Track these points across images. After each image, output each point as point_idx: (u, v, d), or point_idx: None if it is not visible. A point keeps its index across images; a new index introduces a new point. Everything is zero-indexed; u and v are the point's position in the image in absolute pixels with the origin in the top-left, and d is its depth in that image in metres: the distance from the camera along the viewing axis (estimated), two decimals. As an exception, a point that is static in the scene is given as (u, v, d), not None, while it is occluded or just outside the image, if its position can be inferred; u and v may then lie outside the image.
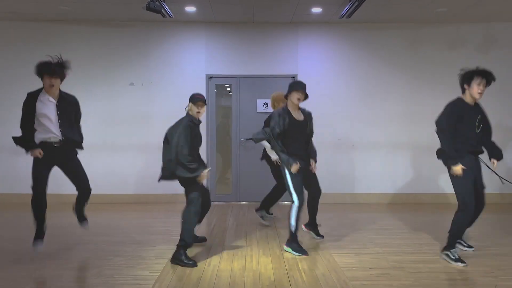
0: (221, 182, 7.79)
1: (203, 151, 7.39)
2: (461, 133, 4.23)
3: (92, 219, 5.73)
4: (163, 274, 4.00)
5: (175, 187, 7.33)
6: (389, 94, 7.50)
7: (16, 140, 4.57)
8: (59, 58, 4.61)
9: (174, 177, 4.45)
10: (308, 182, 4.93)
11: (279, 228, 5.70)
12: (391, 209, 7.07)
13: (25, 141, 4.51)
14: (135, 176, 7.45)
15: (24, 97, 7.21)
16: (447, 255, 4.33)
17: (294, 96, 4.64)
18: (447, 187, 4.41)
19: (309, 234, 5.22)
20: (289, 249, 4.64)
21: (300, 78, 7.40)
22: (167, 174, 4.49)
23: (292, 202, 4.61)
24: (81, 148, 4.78)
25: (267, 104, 7.39)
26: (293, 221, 4.58)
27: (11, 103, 7.31)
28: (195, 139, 4.46)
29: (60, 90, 4.62)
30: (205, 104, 4.57)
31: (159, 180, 4.65)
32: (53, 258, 4.41)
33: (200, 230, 5.69)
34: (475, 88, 4.20)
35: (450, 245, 4.35)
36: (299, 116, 4.74)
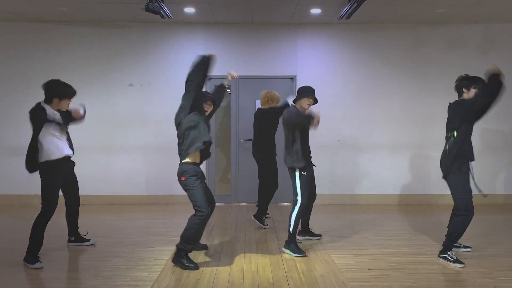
0: (223, 181, 7.76)
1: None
2: (468, 137, 4.26)
3: (90, 220, 5.75)
4: (161, 275, 4.00)
5: (174, 189, 7.38)
6: (389, 95, 7.49)
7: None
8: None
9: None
10: (311, 185, 4.96)
11: (277, 230, 5.70)
12: (390, 210, 7.06)
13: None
14: (134, 177, 7.45)
15: (24, 98, 7.30)
16: (445, 257, 4.33)
17: (305, 102, 4.70)
18: (447, 188, 4.39)
19: (305, 240, 5.20)
20: (288, 251, 4.64)
21: (299, 79, 7.42)
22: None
23: (295, 202, 4.61)
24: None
25: (266, 105, 7.38)
26: (293, 221, 4.58)
27: (10, 103, 7.33)
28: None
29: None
30: (213, 103, 4.65)
31: None
32: (50, 260, 4.40)
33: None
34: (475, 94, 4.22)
35: (448, 248, 4.35)
36: None
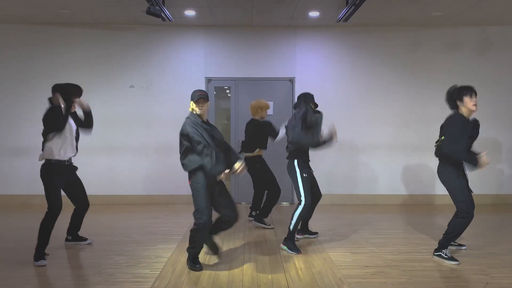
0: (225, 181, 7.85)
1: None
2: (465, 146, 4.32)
3: (92, 219, 5.84)
4: (163, 272, 4.09)
5: (174, 189, 7.49)
6: (387, 97, 7.59)
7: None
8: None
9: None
10: (314, 185, 5.09)
11: (277, 229, 5.78)
12: (388, 210, 7.15)
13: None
14: (134, 177, 7.54)
15: (24, 98, 7.40)
16: (439, 255, 4.43)
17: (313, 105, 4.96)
18: (444, 189, 4.49)
19: (304, 238, 5.30)
20: (285, 247, 4.74)
21: (298, 81, 7.52)
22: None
23: (299, 203, 4.73)
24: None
25: (265, 106, 7.48)
26: (294, 220, 4.69)
27: (12, 104, 7.43)
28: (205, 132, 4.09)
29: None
30: (207, 100, 4.20)
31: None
32: (54, 258, 4.49)
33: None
34: (470, 102, 4.25)
35: (443, 246, 4.44)
36: None
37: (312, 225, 5.56)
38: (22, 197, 7.38)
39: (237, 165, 4.15)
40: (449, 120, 4.39)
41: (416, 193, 7.57)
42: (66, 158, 4.55)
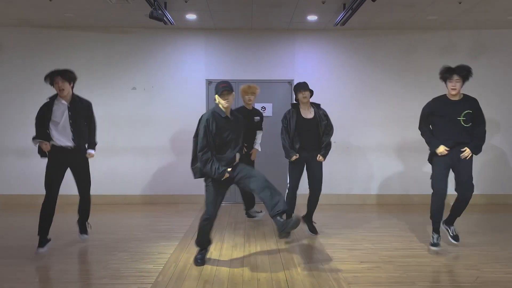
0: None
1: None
2: (439, 127, 4.67)
3: (95, 218, 5.97)
4: (166, 267, 4.24)
5: (175, 189, 7.64)
6: (383, 98, 7.76)
7: (33, 138, 4.83)
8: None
9: (201, 172, 4.18)
10: (312, 175, 5.33)
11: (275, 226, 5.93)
12: (385, 209, 7.31)
13: (36, 136, 4.80)
14: (136, 178, 7.69)
15: (31, 100, 7.56)
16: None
17: (300, 96, 5.26)
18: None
19: (304, 226, 5.49)
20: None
21: (296, 82, 7.66)
22: (196, 171, 4.24)
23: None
24: (92, 149, 5.06)
25: (265, 108, 7.66)
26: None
27: (19, 105, 7.58)
28: (220, 132, 4.12)
29: (73, 94, 4.90)
30: (231, 91, 4.14)
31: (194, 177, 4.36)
32: (60, 254, 4.64)
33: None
34: (448, 85, 4.60)
35: (433, 228, 4.78)
36: (308, 114, 5.29)
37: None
38: (27, 197, 7.51)
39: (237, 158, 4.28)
40: None
41: (412, 193, 7.72)
42: (63, 145, 4.73)
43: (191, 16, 6.91)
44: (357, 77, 7.76)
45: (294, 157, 5.17)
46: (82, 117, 4.90)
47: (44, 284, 3.83)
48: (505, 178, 7.78)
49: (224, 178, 4.09)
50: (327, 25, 7.35)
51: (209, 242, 4.46)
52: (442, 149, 4.59)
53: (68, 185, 5.29)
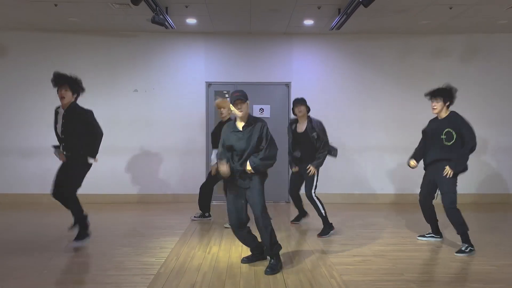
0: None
1: (203, 153, 7.90)
2: (426, 144, 5.07)
3: (97, 216, 6.20)
4: (167, 260, 4.45)
5: (175, 188, 7.85)
6: (378, 100, 7.99)
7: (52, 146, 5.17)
8: (72, 75, 5.01)
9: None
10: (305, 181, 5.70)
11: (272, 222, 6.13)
12: (379, 208, 7.53)
13: (55, 145, 5.10)
14: (137, 177, 7.90)
15: (34, 102, 7.78)
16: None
17: (296, 111, 5.62)
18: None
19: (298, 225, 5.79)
20: None
21: (293, 85, 7.92)
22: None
23: None
24: (91, 157, 4.94)
25: (263, 109, 7.89)
26: None
27: (22, 107, 7.80)
28: (229, 138, 4.15)
29: (72, 102, 4.94)
30: (244, 100, 4.02)
31: None
32: (65, 250, 4.81)
33: (199, 227, 6.16)
34: (431, 105, 4.92)
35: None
36: (301, 128, 5.63)
37: (308, 221, 6.08)
38: (32, 196, 7.72)
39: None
40: None
41: (406, 192, 7.92)
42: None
43: (191, 21, 7.13)
44: (353, 79, 7.99)
45: (294, 169, 5.82)
46: (75, 126, 4.85)
47: (52, 275, 4.03)
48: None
49: (221, 170, 4.06)
50: (323, 29, 7.58)
51: (257, 246, 4.38)
52: (411, 163, 5.18)
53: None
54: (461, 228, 4.70)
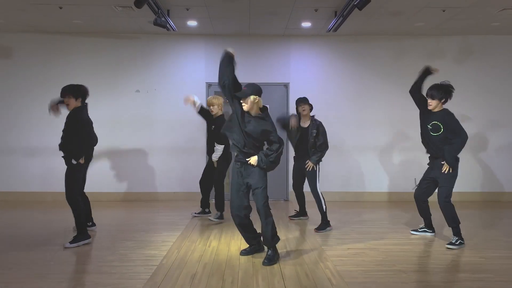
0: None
1: (203, 152, 8.08)
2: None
3: (99, 213, 6.36)
4: (169, 253, 4.63)
5: (176, 186, 8.03)
6: (374, 100, 8.17)
7: None
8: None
9: None
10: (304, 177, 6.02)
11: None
12: (376, 205, 7.70)
13: None
14: (139, 175, 8.08)
15: (38, 103, 7.96)
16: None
17: (300, 109, 5.94)
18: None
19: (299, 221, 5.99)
20: None
21: (292, 86, 8.11)
22: None
23: None
24: (70, 158, 4.98)
25: (262, 109, 8.05)
26: None
27: (25, 107, 7.99)
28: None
29: (78, 107, 5.10)
30: (247, 95, 4.39)
31: None
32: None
33: (200, 223, 6.33)
34: (427, 103, 5.10)
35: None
36: (304, 124, 5.94)
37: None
38: (35, 194, 7.91)
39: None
40: None
41: (402, 191, 8.09)
42: None
43: (192, 23, 7.33)
44: (350, 80, 8.18)
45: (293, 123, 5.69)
46: (68, 128, 5.04)
47: (58, 266, 4.21)
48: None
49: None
50: (320, 31, 7.77)
51: (255, 236, 4.56)
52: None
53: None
54: (453, 221, 4.89)
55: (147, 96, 8.13)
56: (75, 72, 7.95)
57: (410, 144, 7.99)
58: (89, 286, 3.74)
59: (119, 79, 8.09)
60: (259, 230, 4.52)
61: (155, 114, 8.11)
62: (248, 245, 4.65)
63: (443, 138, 4.94)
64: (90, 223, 5.53)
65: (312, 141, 5.79)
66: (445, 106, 5.06)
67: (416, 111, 7.83)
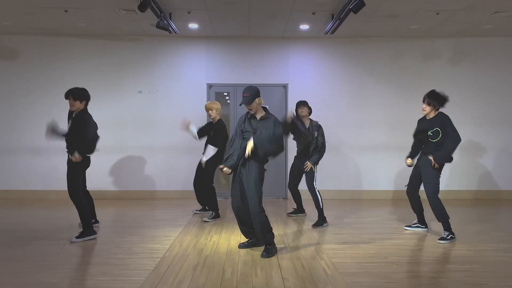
0: (225, 179, 8.57)
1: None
2: (419, 140, 5.48)
3: (104, 210, 6.57)
4: (172, 247, 4.83)
5: (177, 185, 8.23)
6: (371, 101, 8.37)
7: None
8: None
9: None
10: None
11: (269, 216, 6.51)
12: (372, 203, 7.89)
13: None
14: (141, 174, 8.29)
15: (41, 103, 8.16)
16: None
17: (299, 111, 6.16)
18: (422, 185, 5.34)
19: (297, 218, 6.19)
20: None
21: (290, 87, 8.31)
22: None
23: None
24: (77, 154, 5.15)
25: (261, 110, 8.25)
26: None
27: (29, 107, 8.20)
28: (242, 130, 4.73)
29: (83, 110, 5.32)
30: (253, 101, 4.69)
31: None
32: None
33: (201, 219, 6.52)
34: (422, 107, 5.34)
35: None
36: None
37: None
38: (39, 192, 8.11)
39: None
40: None
41: (398, 189, 8.27)
42: None
43: (193, 26, 7.53)
44: (347, 81, 8.37)
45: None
46: (73, 129, 5.28)
47: (66, 258, 4.41)
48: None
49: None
50: (318, 34, 7.98)
51: (252, 229, 4.70)
52: (408, 162, 5.56)
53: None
54: (442, 217, 5.08)
55: (150, 97, 8.33)
56: (78, 73, 8.16)
57: (407, 144, 8.13)
58: (96, 276, 3.94)
59: (122, 80, 8.29)
60: None
61: (157, 115, 8.31)
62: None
63: (440, 143, 5.15)
64: (94, 220, 5.72)
65: (314, 142, 6.01)
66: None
67: (412, 112, 8.09)
